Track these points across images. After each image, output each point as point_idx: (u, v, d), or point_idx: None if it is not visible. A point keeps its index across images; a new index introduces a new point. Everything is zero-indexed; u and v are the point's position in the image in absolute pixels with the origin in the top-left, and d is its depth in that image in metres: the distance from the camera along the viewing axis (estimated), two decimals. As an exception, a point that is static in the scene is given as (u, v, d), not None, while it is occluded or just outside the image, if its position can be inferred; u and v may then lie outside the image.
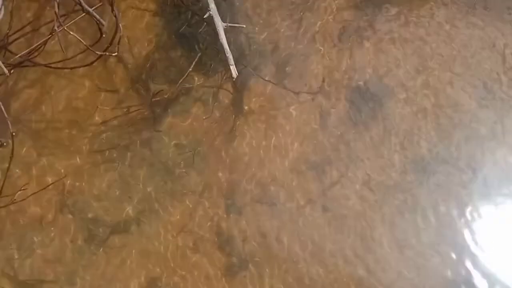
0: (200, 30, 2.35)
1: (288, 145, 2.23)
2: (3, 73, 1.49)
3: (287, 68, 2.32)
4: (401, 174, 2.17)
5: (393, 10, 2.41)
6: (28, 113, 2.17)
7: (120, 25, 1.98)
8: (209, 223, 2.11)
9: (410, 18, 2.39)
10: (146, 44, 2.33)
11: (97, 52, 1.90)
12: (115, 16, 1.94)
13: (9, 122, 1.61)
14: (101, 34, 1.94)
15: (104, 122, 2.21)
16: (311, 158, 2.20)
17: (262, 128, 2.25)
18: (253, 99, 2.30)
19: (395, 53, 2.35)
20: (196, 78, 2.32)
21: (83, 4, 1.77)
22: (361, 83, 2.31)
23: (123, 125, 2.23)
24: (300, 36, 2.37)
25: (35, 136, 2.16)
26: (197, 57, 2.33)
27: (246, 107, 2.29)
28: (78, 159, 2.16)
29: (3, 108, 1.53)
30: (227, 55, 2.07)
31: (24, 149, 2.12)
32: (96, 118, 2.22)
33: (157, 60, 2.34)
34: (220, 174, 2.19)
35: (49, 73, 2.23)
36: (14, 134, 1.73)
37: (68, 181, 2.12)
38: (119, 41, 2.01)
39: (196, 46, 2.36)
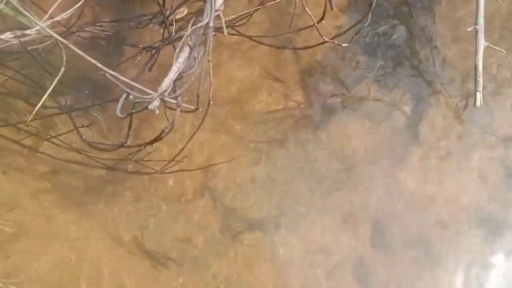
0: (392, 38, 2.13)
1: (460, 190, 1.94)
2: (222, 32, 1.39)
3: (481, 106, 2.03)
4: None
5: None
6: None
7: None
8: (349, 251, 1.90)
9: None
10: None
11: (324, 38, 1.76)
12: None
13: (211, 87, 1.53)
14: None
15: (266, 111, 2.07)
16: (484, 211, 1.90)
17: (437, 165, 1.98)
18: (430, 128, 2.04)
19: None
20: (372, 90, 2.11)
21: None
22: None
23: (284, 120, 2.07)
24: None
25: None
26: (377, 67, 2.12)
27: (421, 136, 2.03)
28: (230, 143, 2.04)
29: (211, 72, 1.43)
30: (477, 78, 1.80)
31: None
32: (259, 105, 2.08)
33: (334, 60, 2.15)
34: (374, 200, 1.96)
35: (224, 48, 2.14)
36: (211, 102, 1.63)
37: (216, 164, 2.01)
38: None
39: (380, 55, 2.14)
